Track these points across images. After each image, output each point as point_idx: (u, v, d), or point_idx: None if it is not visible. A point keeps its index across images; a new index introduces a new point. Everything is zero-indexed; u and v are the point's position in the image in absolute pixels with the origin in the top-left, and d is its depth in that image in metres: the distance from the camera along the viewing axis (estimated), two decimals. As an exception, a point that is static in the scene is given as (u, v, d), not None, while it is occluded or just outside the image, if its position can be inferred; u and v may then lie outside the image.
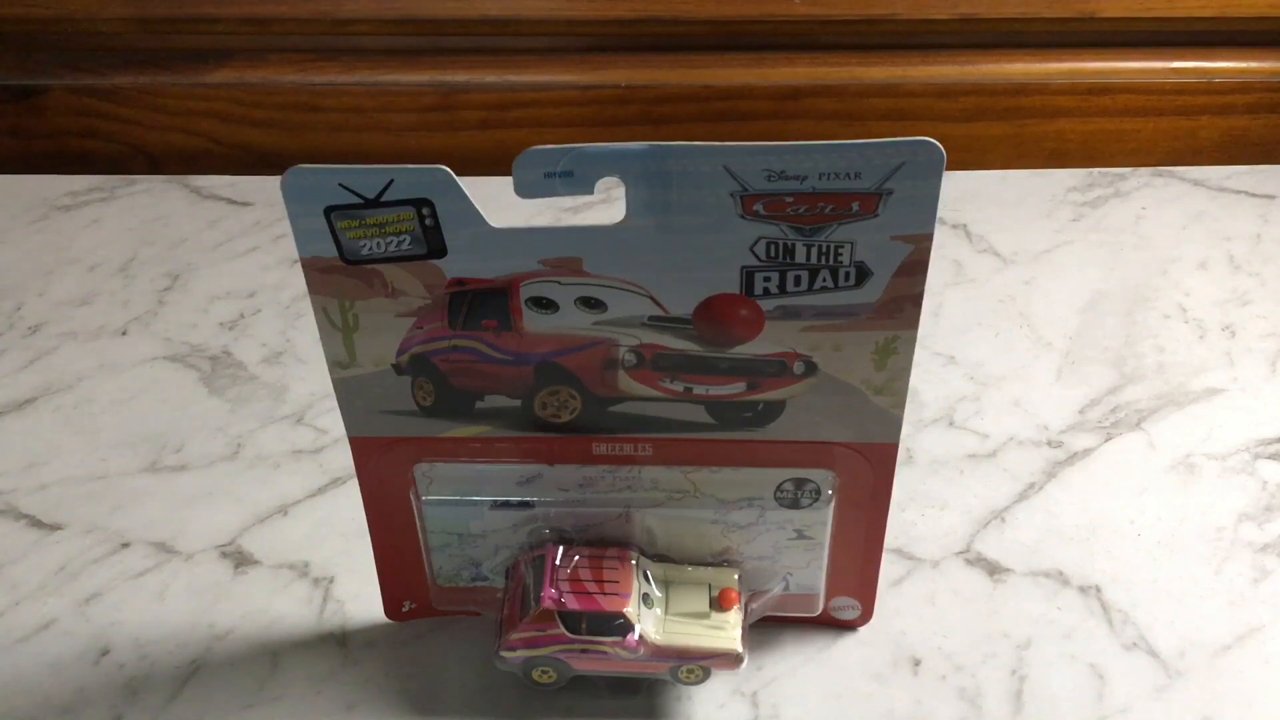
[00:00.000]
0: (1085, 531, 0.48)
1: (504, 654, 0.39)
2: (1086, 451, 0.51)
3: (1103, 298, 0.58)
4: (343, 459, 0.50)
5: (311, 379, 0.54)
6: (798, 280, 0.34)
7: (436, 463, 0.38)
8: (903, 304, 0.35)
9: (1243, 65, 0.65)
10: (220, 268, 0.59)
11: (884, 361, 0.36)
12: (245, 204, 0.62)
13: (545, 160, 0.31)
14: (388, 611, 0.43)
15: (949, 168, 0.65)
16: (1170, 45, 0.65)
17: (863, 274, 0.34)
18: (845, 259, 0.34)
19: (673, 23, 0.62)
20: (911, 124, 0.66)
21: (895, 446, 0.38)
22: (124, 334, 0.56)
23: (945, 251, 0.61)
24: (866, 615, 0.44)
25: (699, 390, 0.36)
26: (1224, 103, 0.66)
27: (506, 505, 0.39)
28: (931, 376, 0.54)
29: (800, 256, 0.33)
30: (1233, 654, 0.44)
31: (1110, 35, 0.64)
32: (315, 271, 0.34)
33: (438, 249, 0.33)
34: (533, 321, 0.35)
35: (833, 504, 0.39)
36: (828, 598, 0.42)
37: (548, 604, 0.38)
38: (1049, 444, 0.52)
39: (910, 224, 0.33)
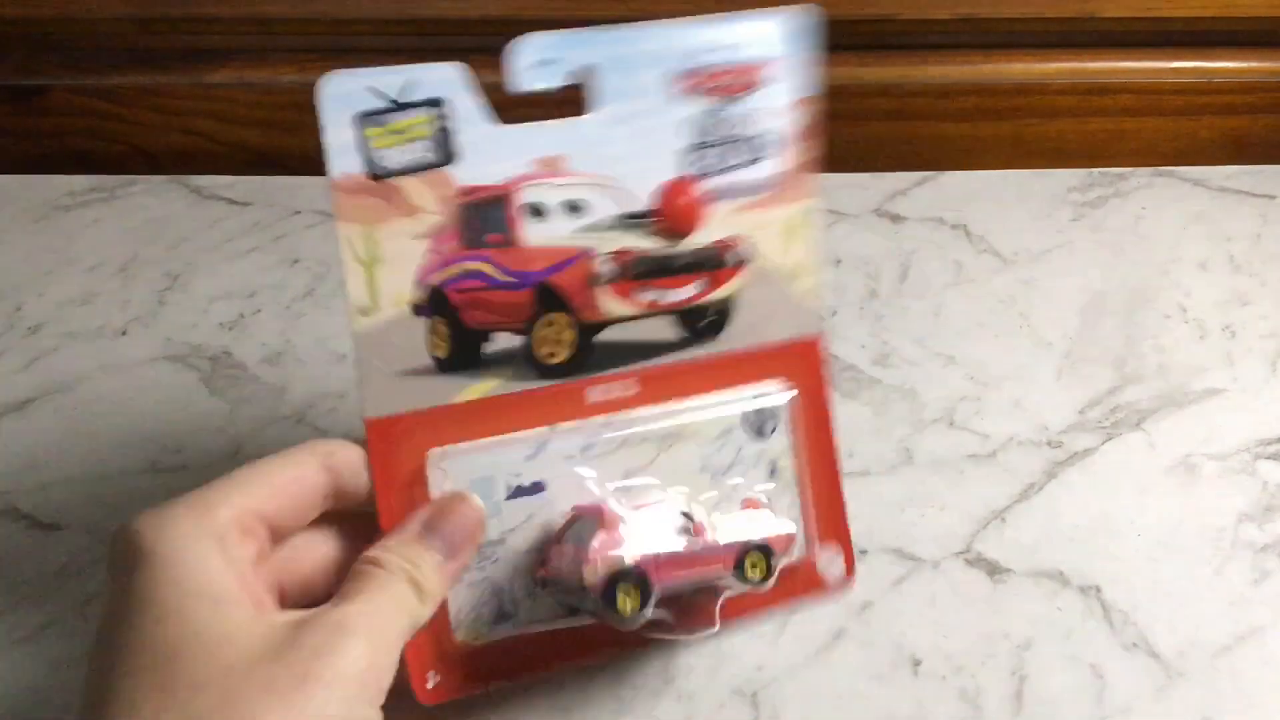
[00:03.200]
0: (1085, 532, 0.48)
1: (585, 573, 0.37)
2: (1087, 452, 0.51)
3: (1103, 298, 0.58)
4: (343, 459, 0.50)
5: (312, 379, 0.54)
6: (721, 155, 0.41)
7: (449, 449, 0.39)
8: (801, 175, 0.42)
9: (1243, 65, 0.65)
10: (220, 268, 0.59)
11: (790, 243, 0.42)
12: (245, 204, 0.62)
13: (533, 48, 0.38)
14: (416, 689, 0.38)
15: (949, 167, 0.65)
16: (1171, 45, 0.64)
17: (768, 143, 0.41)
18: (754, 131, 0.41)
19: (673, 23, 0.62)
20: (912, 124, 0.66)
21: (817, 341, 0.43)
22: (124, 334, 0.56)
23: (945, 251, 0.61)
24: (849, 567, 0.43)
25: (665, 299, 0.41)
26: (1224, 103, 0.66)
27: (519, 492, 0.39)
28: (931, 376, 0.54)
29: (721, 131, 0.40)
30: (1233, 654, 0.44)
31: (1110, 35, 0.64)
32: (343, 194, 0.37)
33: (449, 154, 0.38)
34: (528, 231, 0.39)
35: (789, 426, 0.42)
36: (811, 553, 0.42)
37: (610, 513, 0.39)
38: (1049, 444, 0.52)
39: (798, 88, 0.41)
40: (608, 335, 0.41)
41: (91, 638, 0.32)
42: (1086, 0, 0.62)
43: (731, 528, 0.40)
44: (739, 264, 0.42)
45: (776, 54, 0.40)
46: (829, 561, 0.43)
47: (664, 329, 0.42)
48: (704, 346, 0.42)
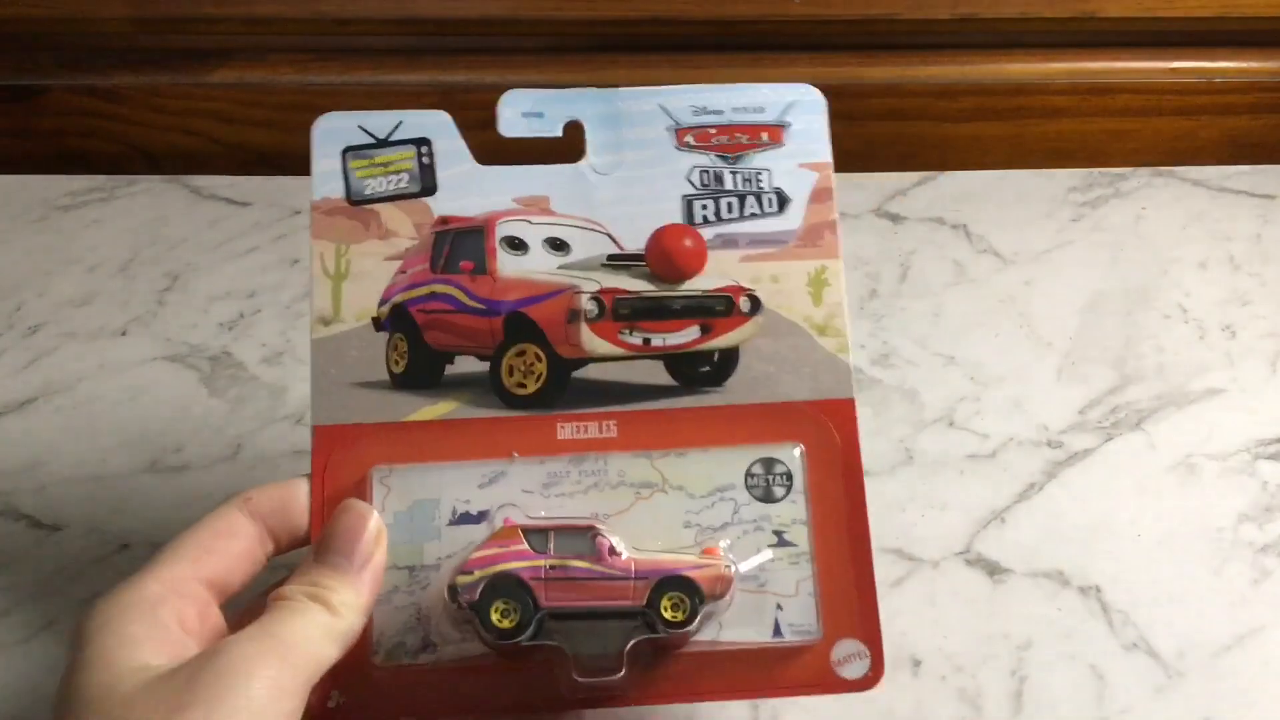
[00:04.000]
0: (1085, 532, 0.48)
1: (459, 580, 0.35)
2: (1086, 452, 0.51)
3: (1103, 298, 0.58)
4: (343, 459, 0.50)
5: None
6: (729, 207, 0.40)
7: (396, 466, 0.38)
8: (822, 231, 0.40)
9: (1243, 65, 0.65)
10: (220, 268, 0.59)
11: (819, 294, 0.40)
12: (245, 204, 0.62)
13: (521, 101, 0.40)
14: (313, 706, 0.34)
15: (949, 167, 0.65)
16: (1170, 45, 0.64)
17: (783, 200, 0.40)
18: (766, 185, 0.40)
19: (673, 23, 0.62)
20: (911, 124, 0.66)
21: (853, 404, 0.39)
22: (124, 334, 0.56)
23: (945, 251, 0.61)
24: (877, 667, 0.37)
25: (656, 341, 0.39)
26: (1224, 103, 0.66)
27: (466, 519, 0.37)
28: (931, 376, 0.54)
29: (728, 183, 0.40)
30: (1233, 654, 0.44)
31: (1110, 35, 0.64)
32: (322, 214, 0.39)
33: (430, 186, 0.40)
34: (505, 264, 0.39)
35: (807, 494, 0.38)
36: (827, 643, 0.37)
37: (510, 522, 0.36)
38: (1049, 444, 0.51)
39: (811, 154, 0.41)
40: (589, 373, 0.39)
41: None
42: (1086, 0, 0.62)
43: (651, 558, 0.36)
44: (748, 313, 0.40)
45: (784, 120, 0.41)
46: (849, 658, 0.37)
47: (654, 373, 0.39)
48: (704, 395, 0.39)
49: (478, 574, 0.35)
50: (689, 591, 0.35)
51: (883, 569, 0.47)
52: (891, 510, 0.49)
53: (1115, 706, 0.43)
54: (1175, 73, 0.65)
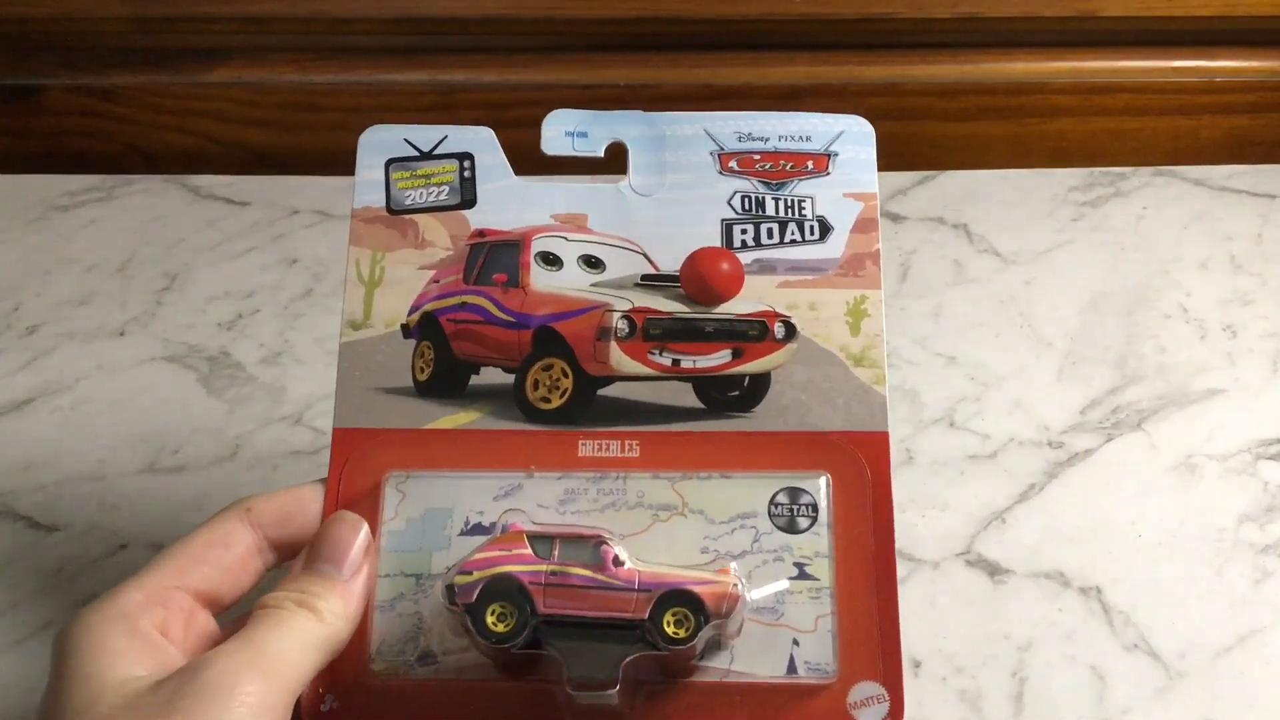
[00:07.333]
0: (1086, 533, 0.48)
1: (457, 580, 0.34)
2: (1087, 452, 0.51)
3: (1103, 298, 0.58)
4: (341, 460, 0.50)
5: (310, 380, 0.54)
6: (770, 233, 0.40)
7: (412, 472, 0.37)
8: (864, 261, 0.40)
9: (1244, 64, 0.65)
10: (218, 268, 0.59)
11: (857, 325, 0.39)
12: (243, 204, 0.62)
13: (565, 120, 0.40)
14: (306, 708, 0.35)
15: (949, 167, 0.65)
16: (1171, 44, 0.64)
17: (825, 228, 0.40)
18: (808, 213, 0.40)
19: (673, 22, 0.62)
20: (911, 123, 0.66)
21: (886, 437, 0.37)
22: (122, 334, 0.56)
23: (945, 251, 0.60)
24: (896, 712, 0.35)
25: (686, 363, 0.39)
26: (1225, 102, 0.65)
27: (478, 530, 0.37)
28: (932, 377, 0.54)
29: (770, 209, 0.40)
30: (1234, 655, 0.44)
31: (1111, 35, 0.64)
32: (361, 222, 0.40)
33: (469, 200, 0.40)
34: (539, 278, 0.39)
35: (831, 527, 0.36)
36: (844, 683, 0.35)
37: (517, 527, 0.36)
38: (1050, 445, 0.51)
39: (857, 183, 0.40)
40: (614, 392, 0.39)
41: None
42: (1086, 0, 0.62)
43: (656, 571, 0.34)
44: (782, 339, 0.39)
45: (831, 149, 0.40)
46: (867, 701, 0.35)
47: (682, 396, 0.39)
48: (730, 420, 0.38)
49: (476, 575, 0.34)
50: (693, 607, 0.34)
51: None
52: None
53: (1116, 707, 0.43)
54: (1176, 72, 0.65)
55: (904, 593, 0.46)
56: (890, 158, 0.67)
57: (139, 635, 0.33)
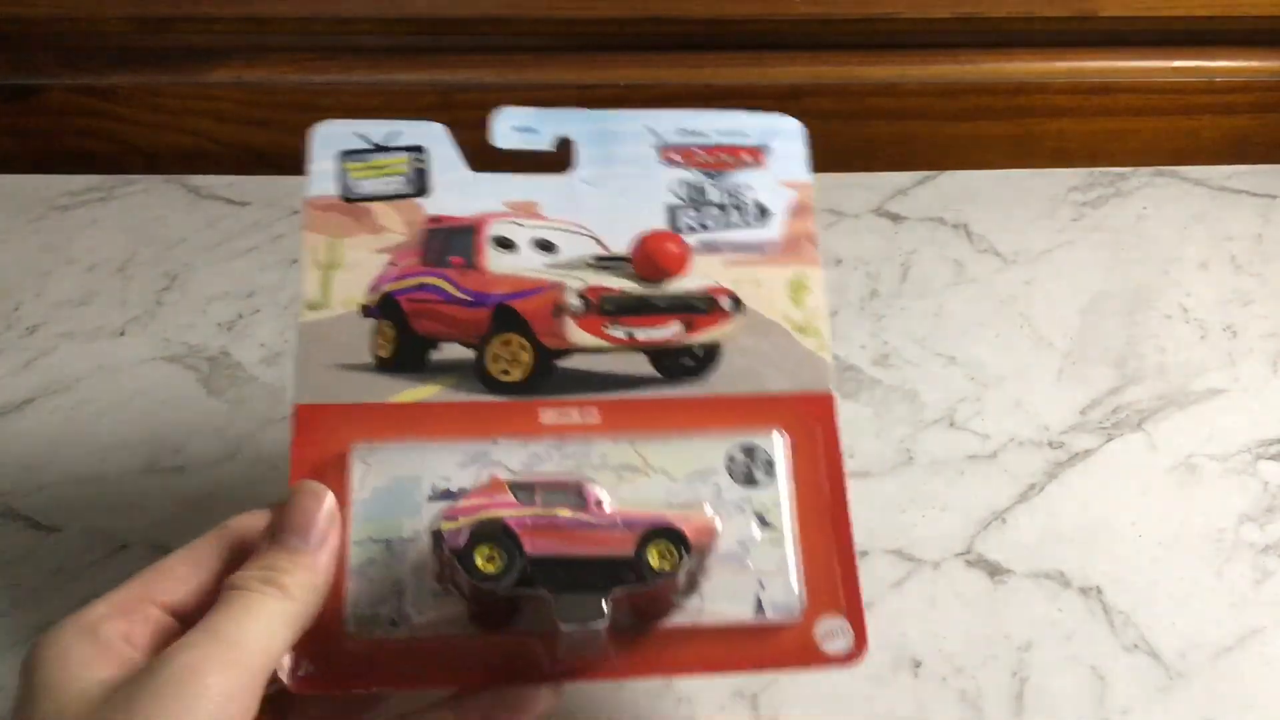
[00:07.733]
0: (1086, 533, 0.48)
1: (444, 526, 0.35)
2: (1087, 452, 0.51)
3: (1104, 298, 0.58)
4: (341, 460, 0.50)
5: (310, 379, 0.54)
6: (712, 216, 0.42)
7: (377, 443, 0.38)
8: (801, 242, 0.42)
9: (1244, 65, 0.65)
10: (218, 268, 0.59)
11: (800, 298, 0.41)
12: (243, 204, 0.62)
13: (513, 117, 0.42)
14: (285, 675, 0.35)
15: (949, 167, 0.65)
16: (1171, 45, 0.64)
17: (764, 212, 0.42)
18: (747, 200, 0.42)
19: (673, 22, 0.62)
20: (912, 124, 0.66)
21: (832, 398, 0.40)
22: (122, 334, 0.56)
23: (945, 251, 0.60)
24: (860, 643, 0.37)
25: (640, 335, 0.40)
26: (1225, 102, 0.65)
27: (446, 495, 0.37)
28: (932, 377, 0.54)
29: (711, 196, 0.42)
30: (1234, 655, 0.44)
31: (1111, 35, 0.64)
32: (315, 210, 0.41)
33: (423, 189, 0.41)
34: (493, 260, 0.41)
35: (787, 476, 0.39)
36: (810, 620, 0.37)
37: (497, 478, 0.37)
38: (1050, 445, 0.51)
39: (791, 174, 0.43)
40: (574, 363, 0.40)
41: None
42: (1086, 0, 0.62)
43: (637, 510, 0.36)
44: (729, 311, 0.41)
45: (765, 144, 0.43)
46: (832, 634, 0.37)
47: (637, 365, 0.41)
48: (686, 387, 0.40)
49: (463, 520, 0.35)
50: (676, 540, 0.36)
51: (883, 570, 0.47)
52: (892, 511, 0.49)
53: (1116, 707, 0.43)
54: (1176, 72, 0.65)
55: (904, 593, 0.46)
56: (890, 158, 0.67)
57: (102, 643, 0.32)
